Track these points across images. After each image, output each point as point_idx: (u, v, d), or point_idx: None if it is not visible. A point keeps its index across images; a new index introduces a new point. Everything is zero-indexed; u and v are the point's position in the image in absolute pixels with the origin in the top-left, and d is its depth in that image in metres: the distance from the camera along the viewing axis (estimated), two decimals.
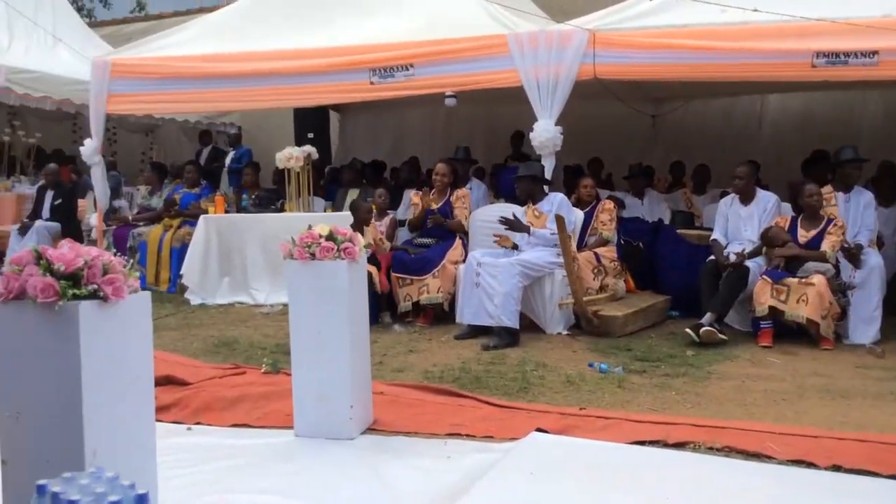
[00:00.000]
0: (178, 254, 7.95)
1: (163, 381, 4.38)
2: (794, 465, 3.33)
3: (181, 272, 7.62)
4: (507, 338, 5.65)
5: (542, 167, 6.53)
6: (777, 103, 9.95)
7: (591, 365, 5.03)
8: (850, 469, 3.25)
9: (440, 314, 6.42)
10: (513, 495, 3.02)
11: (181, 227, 8.25)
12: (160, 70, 7.77)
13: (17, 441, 2.29)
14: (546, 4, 8.25)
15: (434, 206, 6.84)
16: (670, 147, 9.91)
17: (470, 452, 3.53)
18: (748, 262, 5.89)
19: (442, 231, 6.77)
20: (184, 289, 7.58)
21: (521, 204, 6.50)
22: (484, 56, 6.75)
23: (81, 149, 8.44)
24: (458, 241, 6.71)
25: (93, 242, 8.06)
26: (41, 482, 1.93)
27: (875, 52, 5.71)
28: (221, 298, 7.41)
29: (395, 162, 9.96)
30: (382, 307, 6.43)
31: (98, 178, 8.40)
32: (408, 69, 6.98)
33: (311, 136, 9.19)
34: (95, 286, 2.21)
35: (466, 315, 5.97)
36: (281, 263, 3.98)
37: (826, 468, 3.27)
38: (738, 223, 6.33)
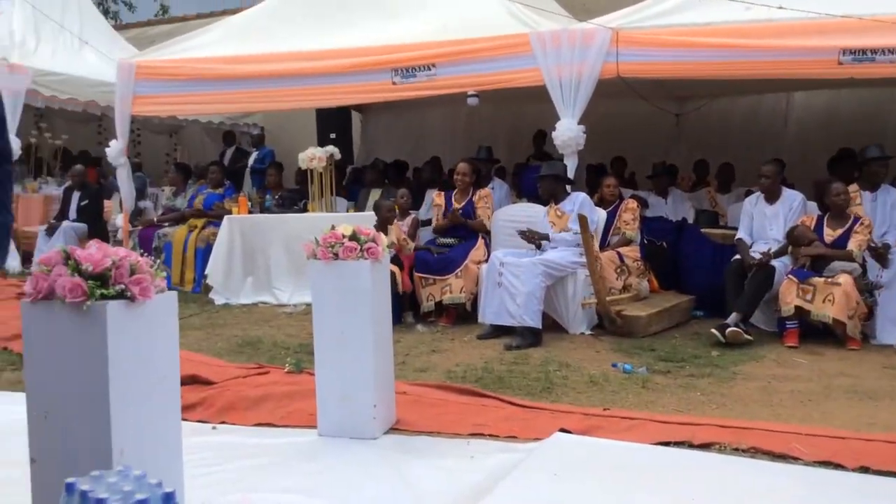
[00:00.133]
0: (203, 254, 8.01)
1: (188, 381, 4.40)
2: (821, 467, 3.30)
3: (206, 272, 7.68)
4: (529, 338, 5.64)
5: (565, 166, 6.51)
6: (802, 101, 9.85)
7: (614, 365, 5.00)
8: (877, 470, 3.21)
9: (463, 314, 6.42)
10: (536, 496, 3.01)
11: (205, 228, 8.32)
12: (184, 72, 7.84)
13: (46, 439, 2.31)
14: (568, 3, 8.22)
15: (457, 207, 6.84)
16: (694, 146, 9.84)
17: (493, 452, 3.52)
18: (774, 262, 5.83)
19: (464, 231, 6.77)
20: (208, 289, 7.63)
21: (544, 203, 6.48)
22: (506, 55, 6.74)
23: (107, 150, 8.53)
24: (480, 241, 6.70)
25: (119, 243, 8.14)
26: (69, 480, 1.95)
27: None
28: (245, 298, 7.46)
29: (417, 162, 9.98)
30: (405, 307, 6.44)
31: (124, 179, 8.49)
32: (430, 69, 6.99)
33: (333, 136, 9.23)
34: (123, 286, 2.23)
35: (489, 315, 5.96)
36: (304, 263, 4.00)
37: (854, 469, 3.24)
38: (764, 222, 6.27)
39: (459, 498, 3.05)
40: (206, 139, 12.40)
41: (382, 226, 6.28)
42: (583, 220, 5.68)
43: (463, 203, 6.86)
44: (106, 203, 9.57)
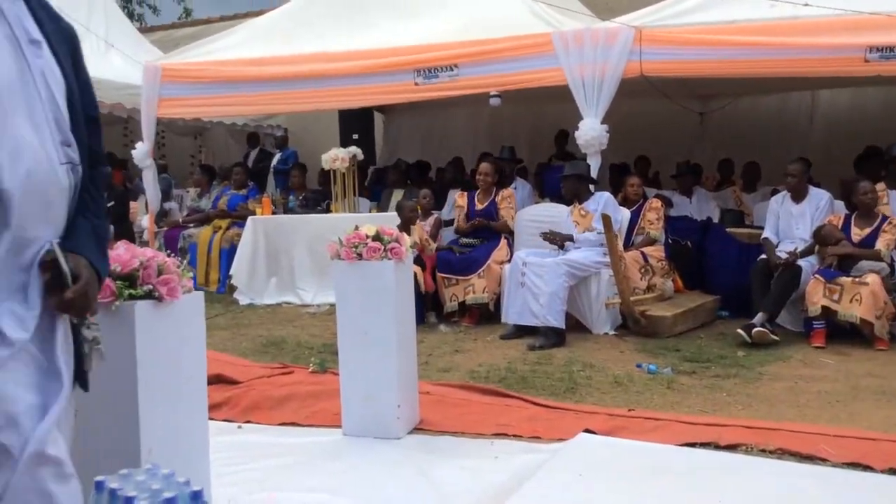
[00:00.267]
0: (227, 254, 8.08)
1: (213, 380, 4.43)
2: (850, 468, 3.26)
3: (230, 273, 7.73)
4: (553, 338, 5.62)
5: (588, 166, 6.49)
6: (828, 99, 9.74)
7: (639, 366, 4.98)
8: None
9: (486, 314, 6.42)
10: (561, 496, 3.01)
11: (230, 229, 8.38)
12: (209, 74, 7.90)
13: (75, 438, 2.34)
14: (591, 2, 8.19)
15: (479, 206, 6.84)
16: (718, 144, 9.77)
17: (517, 453, 3.52)
18: (800, 261, 5.78)
19: (487, 231, 6.76)
20: (233, 289, 7.69)
21: (567, 203, 6.46)
22: (528, 55, 6.73)
23: (133, 152, 8.61)
24: (503, 241, 6.69)
25: (144, 244, 8.23)
26: (99, 478, 1.97)
27: None
28: (269, 298, 7.51)
29: (439, 162, 9.98)
30: (428, 307, 6.45)
31: (150, 180, 8.57)
32: (452, 69, 6.99)
33: (356, 137, 9.26)
34: (150, 286, 2.25)
35: (512, 315, 5.95)
36: (327, 263, 4.02)
37: (882, 471, 3.20)
38: (790, 221, 6.21)
39: (483, 498, 3.05)
40: (231, 141, 12.47)
41: (405, 226, 6.29)
42: (607, 220, 5.65)
43: (486, 203, 6.85)
44: (132, 204, 9.66)
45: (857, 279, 5.41)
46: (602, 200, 6.13)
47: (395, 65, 7.17)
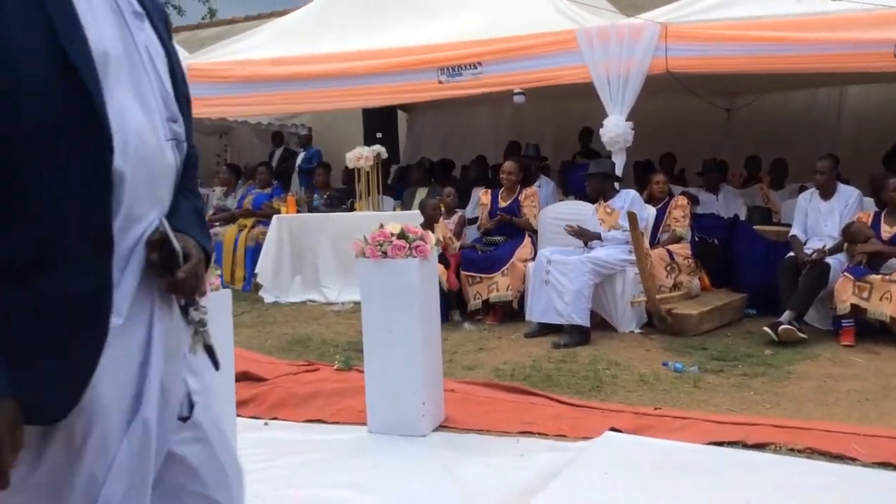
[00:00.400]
0: (253, 253, 8.13)
1: (240, 377, 4.46)
2: (880, 468, 3.22)
3: (255, 271, 7.78)
4: (577, 336, 5.60)
5: (613, 164, 6.46)
6: (857, 95, 9.61)
7: (665, 364, 4.94)
8: None
9: (510, 312, 6.41)
10: (587, 495, 3.00)
11: (255, 227, 8.44)
12: (234, 74, 7.95)
13: None
14: None
15: (503, 204, 6.83)
16: (745, 141, 9.66)
17: (542, 451, 3.51)
18: (829, 259, 5.71)
19: (511, 229, 6.75)
20: (258, 287, 7.74)
21: (592, 202, 6.43)
22: (552, 52, 6.70)
23: None
24: (527, 239, 6.67)
25: None
26: None
27: None
28: (294, 296, 7.55)
29: (462, 160, 9.98)
30: (452, 305, 6.45)
31: None
32: (476, 67, 6.98)
33: (379, 135, 9.27)
34: None
35: (536, 313, 5.93)
36: (351, 261, 4.03)
37: None
38: (818, 219, 6.14)
39: (508, 496, 3.05)
40: (256, 140, 12.54)
41: (428, 224, 6.29)
42: (632, 218, 5.62)
43: (509, 201, 6.83)
44: None
45: (886, 277, 5.33)
46: (629, 198, 6.10)
47: (418, 63, 7.17)
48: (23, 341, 1.21)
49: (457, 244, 6.68)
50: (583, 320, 5.64)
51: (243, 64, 7.97)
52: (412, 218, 6.14)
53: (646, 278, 5.72)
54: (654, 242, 6.37)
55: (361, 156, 7.45)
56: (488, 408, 4.11)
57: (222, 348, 2.51)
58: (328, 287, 7.50)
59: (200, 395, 1.52)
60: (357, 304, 4.22)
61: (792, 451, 3.42)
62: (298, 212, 8.14)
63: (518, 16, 7.09)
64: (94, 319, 1.28)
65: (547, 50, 6.71)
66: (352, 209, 8.02)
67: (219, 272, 2.43)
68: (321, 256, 7.56)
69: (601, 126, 6.64)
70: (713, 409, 4.08)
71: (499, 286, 6.33)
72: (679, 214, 6.48)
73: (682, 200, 6.62)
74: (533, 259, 6.25)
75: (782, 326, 5.37)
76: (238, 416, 2.90)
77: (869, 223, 5.74)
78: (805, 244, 6.04)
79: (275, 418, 4.12)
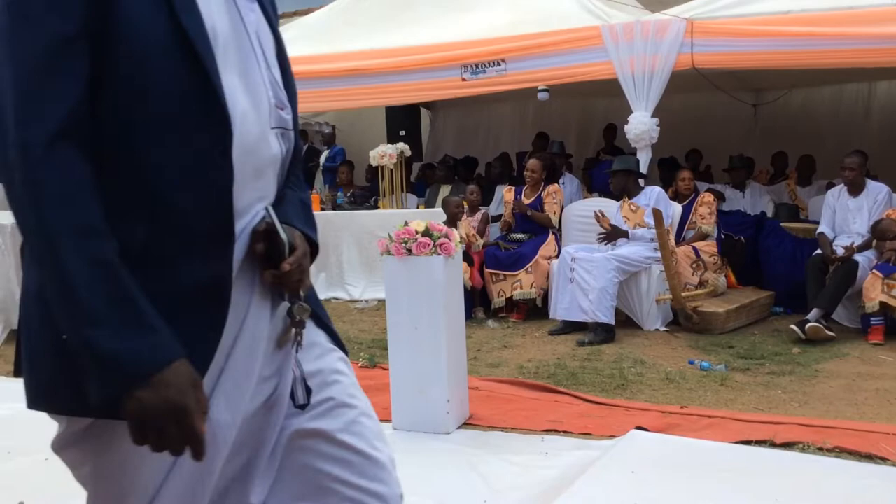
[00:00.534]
0: None
1: None
2: None
3: None
4: (602, 334, 5.58)
5: (637, 161, 6.42)
6: (886, 90, 9.48)
7: (691, 362, 4.91)
8: None
9: (534, 309, 6.39)
10: (614, 493, 2.98)
11: None
12: None
13: None
14: None
15: (526, 201, 6.81)
16: (772, 137, 9.57)
17: (568, 449, 3.50)
18: (857, 256, 5.64)
19: (534, 226, 6.72)
20: None
21: (616, 199, 6.40)
22: (577, 49, 6.66)
23: None
24: (550, 237, 6.65)
25: None
26: None
27: None
28: (318, 294, 7.54)
29: (486, 157, 9.96)
30: (476, 303, 6.45)
31: None
32: (500, 64, 6.96)
33: (402, 133, 9.28)
34: None
35: (560, 310, 5.91)
36: (375, 259, 4.04)
37: None
38: (847, 215, 6.07)
39: (534, 494, 3.04)
40: None
41: (451, 222, 6.29)
42: (658, 215, 5.58)
43: (532, 198, 6.81)
44: None
45: None
46: (654, 195, 6.05)
47: (442, 60, 7.17)
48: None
49: (480, 242, 6.67)
50: (608, 318, 5.61)
51: None
52: (436, 216, 6.14)
53: (671, 276, 5.68)
54: (680, 240, 6.33)
55: (385, 153, 7.46)
56: (513, 405, 4.10)
57: None
58: (352, 284, 7.52)
59: (318, 376, 1.47)
60: (381, 301, 4.23)
61: (820, 450, 3.38)
62: (322, 209, 8.17)
63: (542, 12, 7.06)
64: (214, 309, 1.25)
65: (571, 46, 6.68)
66: (375, 207, 8.03)
67: None
68: (345, 254, 7.59)
69: (626, 123, 6.60)
70: (740, 407, 4.05)
71: (523, 284, 6.31)
72: (705, 211, 6.43)
73: (709, 197, 6.57)
74: (557, 256, 6.22)
75: (810, 324, 5.32)
76: None
77: None
78: (833, 241, 5.97)
79: None
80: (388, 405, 3.86)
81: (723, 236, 6.53)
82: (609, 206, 6.47)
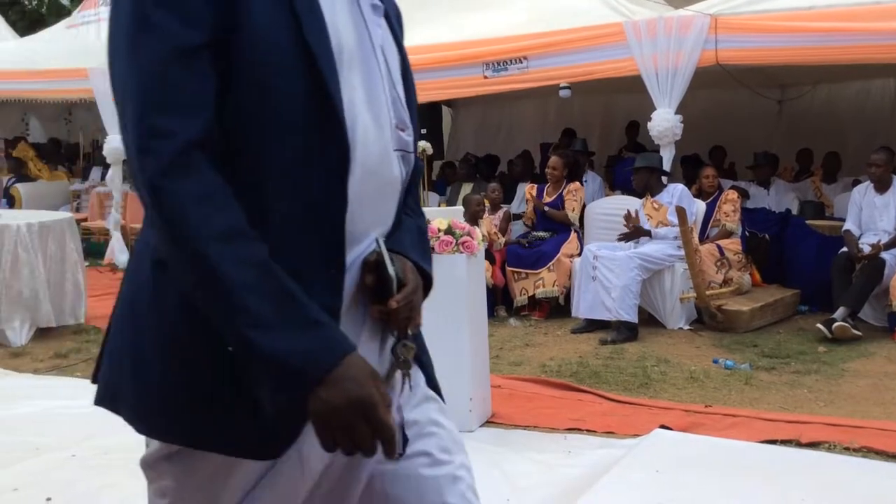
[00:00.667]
0: None
1: None
2: None
3: None
4: (625, 332, 5.55)
5: (660, 158, 6.38)
6: None
7: (715, 361, 4.88)
8: None
9: (556, 308, 6.37)
10: (638, 493, 2.97)
11: None
12: None
13: None
14: None
15: (548, 199, 6.79)
16: (797, 134, 9.47)
17: (591, 448, 3.49)
18: (884, 254, 5.57)
19: (556, 224, 6.70)
20: None
21: (639, 196, 6.36)
22: (599, 45, 6.62)
23: None
24: (572, 235, 6.63)
25: None
26: None
27: None
28: None
29: (507, 155, 9.94)
30: (498, 301, 6.44)
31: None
32: (521, 62, 6.94)
33: (424, 131, 9.28)
34: None
35: (583, 309, 5.89)
36: None
37: None
38: (873, 213, 6.00)
39: (557, 492, 3.04)
40: None
41: (472, 220, 6.27)
42: (681, 213, 5.54)
43: (554, 196, 6.79)
44: None
45: None
46: (677, 193, 6.01)
47: (463, 58, 7.16)
48: None
49: (502, 240, 6.66)
50: (630, 316, 5.59)
51: None
52: (457, 214, 6.12)
53: (695, 274, 5.65)
54: (704, 237, 6.28)
55: None
56: (535, 404, 4.10)
57: None
58: None
59: (415, 427, 1.35)
60: None
61: (847, 450, 3.35)
62: None
63: (564, 9, 7.03)
64: None
65: (594, 43, 6.64)
66: None
67: None
68: None
69: (648, 120, 6.56)
70: (765, 407, 4.02)
71: (545, 282, 6.30)
72: (729, 209, 6.38)
73: (733, 195, 6.52)
74: (579, 255, 6.20)
75: (836, 324, 5.26)
76: None
77: None
78: (859, 239, 5.91)
79: None
80: None
81: (747, 234, 6.48)
82: (632, 204, 6.43)
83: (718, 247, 6.18)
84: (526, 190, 7.34)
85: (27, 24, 16.71)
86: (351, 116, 1.18)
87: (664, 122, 6.40)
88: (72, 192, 11.19)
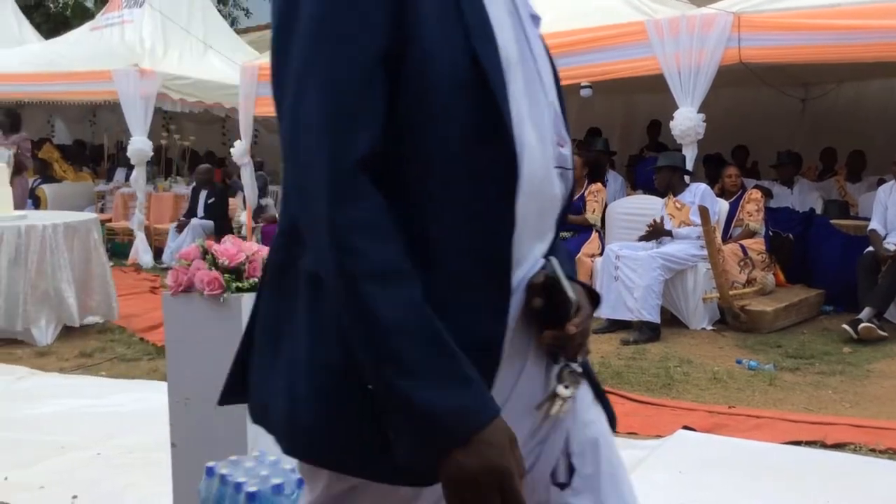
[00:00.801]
0: None
1: None
2: None
3: None
4: (647, 332, 5.53)
5: (683, 157, 6.34)
6: None
7: (738, 362, 4.84)
8: None
9: None
10: (662, 493, 2.95)
11: None
12: None
13: (186, 425, 2.44)
14: None
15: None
16: (821, 133, 9.38)
17: None
18: None
19: (576, 224, 6.69)
20: None
21: (661, 196, 6.33)
22: (621, 44, 6.59)
23: (232, 150, 8.87)
24: (594, 234, 6.61)
25: (243, 238, 8.44)
26: (210, 464, 2.05)
27: None
28: None
29: None
30: None
31: (247, 177, 8.82)
32: None
33: None
34: (256, 279, 2.32)
35: (605, 309, 5.86)
36: None
37: None
38: None
39: None
40: None
41: None
42: (704, 212, 5.51)
43: (575, 197, 6.78)
44: (231, 201, 9.96)
45: None
46: (699, 192, 5.98)
47: None
48: None
49: None
50: (653, 317, 5.56)
51: None
52: None
53: (718, 274, 5.61)
54: (727, 237, 6.24)
55: None
56: None
57: None
58: None
59: (581, 457, 1.27)
60: None
61: (873, 451, 3.32)
62: None
63: (586, 8, 7.00)
64: (482, 373, 1.04)
65: (615, 42, 6.61)
66: None
67: None
68: None
69: (670, 119, 6.53)
70: (789, 408, 3.99)
71: None
72: (752, 208, 6.33)
73: (756, 194, 6.47)
74: (600, 254, 6.18)
75: (862, 324, 5.21)
76: None
77: None
78: (885, 239, 5.84)
79: None
80: None
81: (771, 234, 6.43)
82: (654, 204, 6.41)
83: (742, 246, 6.14)
84: None
85: (52, 26, 16.90)
86: (518, 134, 1.10)
87: (686, 122, 6.36)
88: (96, 193, 11.31)
